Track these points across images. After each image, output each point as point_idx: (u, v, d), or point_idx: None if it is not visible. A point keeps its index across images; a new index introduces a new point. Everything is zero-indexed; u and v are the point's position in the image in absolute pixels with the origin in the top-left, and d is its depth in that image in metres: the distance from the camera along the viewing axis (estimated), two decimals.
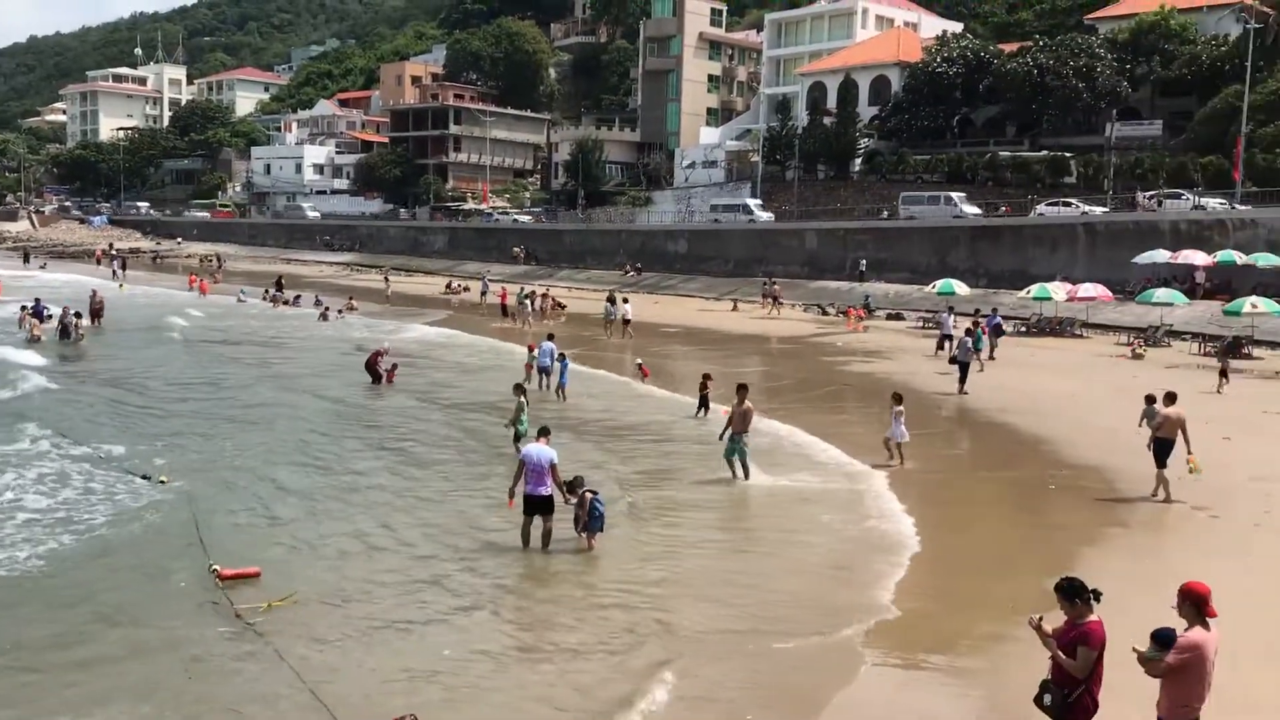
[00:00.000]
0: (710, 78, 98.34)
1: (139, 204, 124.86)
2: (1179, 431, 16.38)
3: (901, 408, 18.84)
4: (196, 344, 36.35)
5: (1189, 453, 16.30)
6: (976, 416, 24.74)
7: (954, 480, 18.89)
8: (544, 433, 14.56)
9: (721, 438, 17.92)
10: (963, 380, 27.06)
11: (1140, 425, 17.99)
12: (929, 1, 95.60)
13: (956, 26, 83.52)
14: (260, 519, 15.38)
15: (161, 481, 16.71)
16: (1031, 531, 14.99)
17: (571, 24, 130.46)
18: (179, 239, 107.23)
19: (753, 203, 69.53)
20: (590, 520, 13.77)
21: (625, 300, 42.58)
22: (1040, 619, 7.13)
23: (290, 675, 9.72)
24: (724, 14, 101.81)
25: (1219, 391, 26.39)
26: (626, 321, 40.66)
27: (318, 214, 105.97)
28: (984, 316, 35.91)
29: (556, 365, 26.05)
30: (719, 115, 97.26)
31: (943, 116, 69.65)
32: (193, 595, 11.96)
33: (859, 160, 72.58)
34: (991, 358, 32.72)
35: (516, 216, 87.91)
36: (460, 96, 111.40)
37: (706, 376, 23.63)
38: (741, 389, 18.12)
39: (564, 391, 25.64)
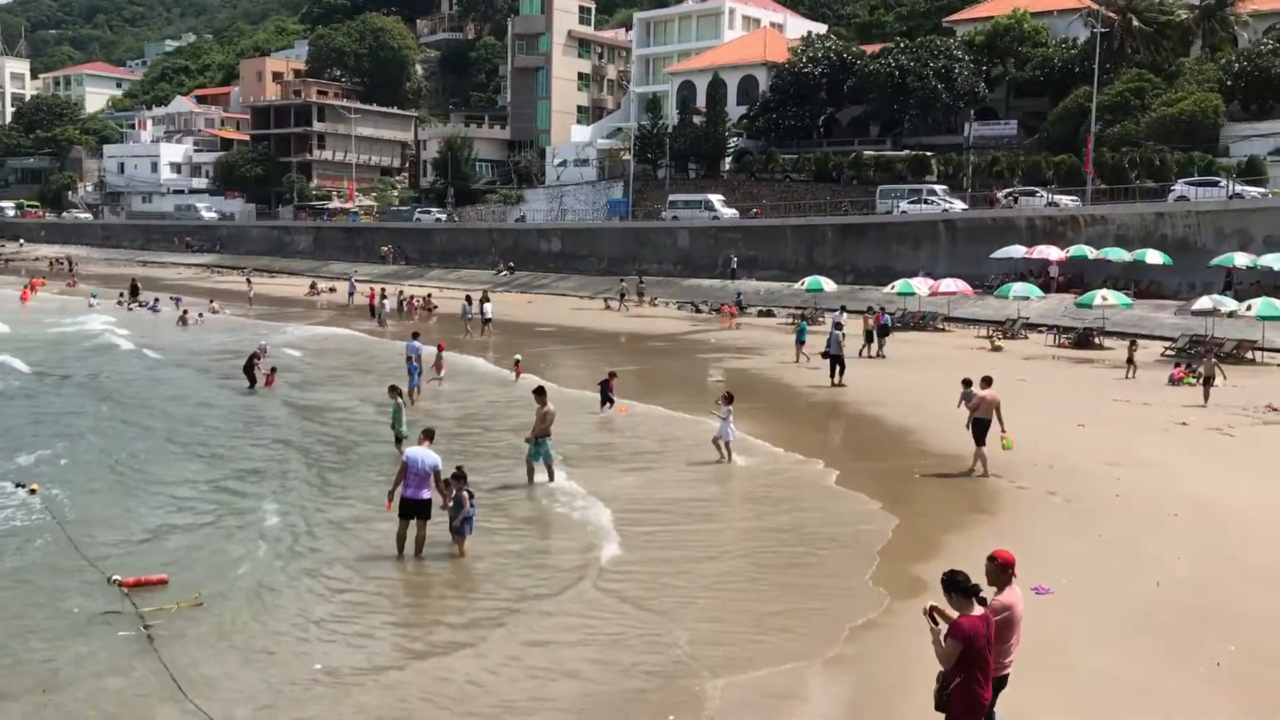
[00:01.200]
0: (580, 76, 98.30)
1: None
2: (994, 412, 17.56)
3: (731, 407, 18.88)
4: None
5: (1003, 431, 17.51)
6: (847, 409, 25.27)
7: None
8: (428, 435, 14.20)
9: (527, 441, 17.61)
10: (838, 373, 27.67)
11: (959, 406, 18.81)
12: (794, 3, 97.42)
13: (821, 28, 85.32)
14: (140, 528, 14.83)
15: (32, 490, 16.12)
16: (903, 521, 15.32)
17: (438, 20, 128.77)
18: (21, 240, 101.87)
19: (715, 199, 64.87)
20: (462, 523, 13.52)
21: (485, 299, 42.72)
22: (935, 607, 7.17)
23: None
24: (593, 12, 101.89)
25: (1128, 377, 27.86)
26: (487, 321, 41.04)
27: (215, 214, 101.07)
28: (870, 313, 36.77)
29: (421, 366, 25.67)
30: (590, 113, 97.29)
31: (809, 116, 71.02)
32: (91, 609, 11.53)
33: (729, 159, 73.48)
34: (882, 355, 33.43)
35: (439, 215, 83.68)
36: (324, 93, 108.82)
37: (612, 374, 23.81)
38: (540, 392, 17.86)
39: (416, 395, 24.88)
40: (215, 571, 12.89)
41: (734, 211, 61.11)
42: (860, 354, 32.71)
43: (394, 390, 19.54)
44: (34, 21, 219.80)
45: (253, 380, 27.12)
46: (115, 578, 12.12)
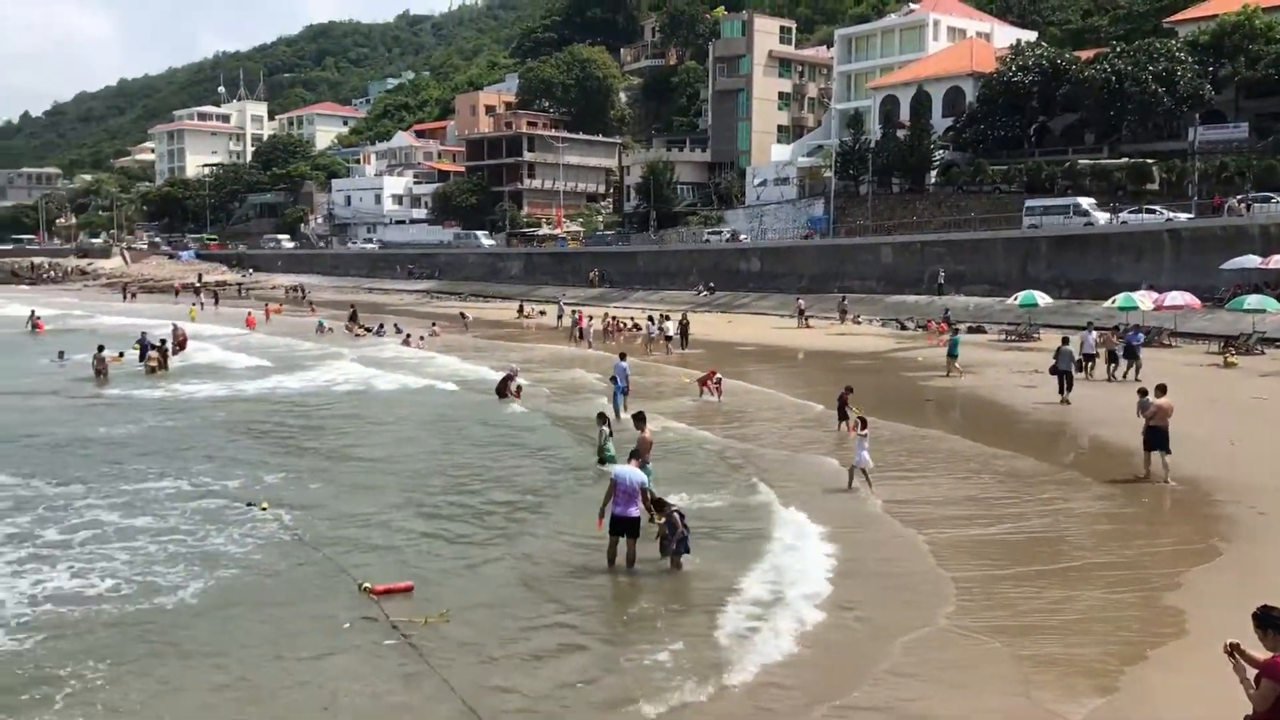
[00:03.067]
0: (780, 95, 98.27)
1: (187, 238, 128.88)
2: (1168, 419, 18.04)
3: (867, 431, 18.44)
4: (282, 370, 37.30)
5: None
6: (1069, 429, 24.33)
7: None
8: (635, 455, 14.58)
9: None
10: (1065, 390, 26.68)
11: (1137, 415, 18.75)
12: (1001, 11, 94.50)
13: (1030, 35, 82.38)
14: (380, 541, 15.60)
15: (262, 508, 16.99)
16: (1140, 553, 14.60)
17: (641, 48, 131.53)
18: (250, 270, 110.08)
19: (1086, 202, 56.69)
20: (677, 543, 13.75)
21: (666, 318, 44.97)
22: (1236, 645, 6.77)
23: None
24: (793, 32, 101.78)
25: None
26: (668, 338, 42.88)
27: (491, 242, 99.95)
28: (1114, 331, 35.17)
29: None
30: (790, 132, 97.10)
31: (1019, 126, 68.68)
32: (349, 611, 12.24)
33: (934, 172, 71.88)
34: (1137, 378, 28.58)
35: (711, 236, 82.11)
36: (533, 124, 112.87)
37: (848, 389, 23.50)
38: (639, 418, 17.71)
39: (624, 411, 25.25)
40: (454, 581, 13.53)
41: (1105, 215, 54.75)
42: (1108, 377, 31.16)
43: (601, 418, 19.97)
44: (270, 67, 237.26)
45: (503, 397, 28.78)
46: (365, 585, 12.80)
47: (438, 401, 30.33)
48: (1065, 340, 28.39)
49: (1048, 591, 12.78)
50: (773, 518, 16.51)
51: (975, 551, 14.63)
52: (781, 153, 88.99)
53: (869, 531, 15.81)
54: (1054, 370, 27.52)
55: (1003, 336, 44.84)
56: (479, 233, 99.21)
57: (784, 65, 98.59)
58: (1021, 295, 44.58)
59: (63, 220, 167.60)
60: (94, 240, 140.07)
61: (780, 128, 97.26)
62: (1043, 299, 44.28)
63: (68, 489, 18.67)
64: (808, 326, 52.25)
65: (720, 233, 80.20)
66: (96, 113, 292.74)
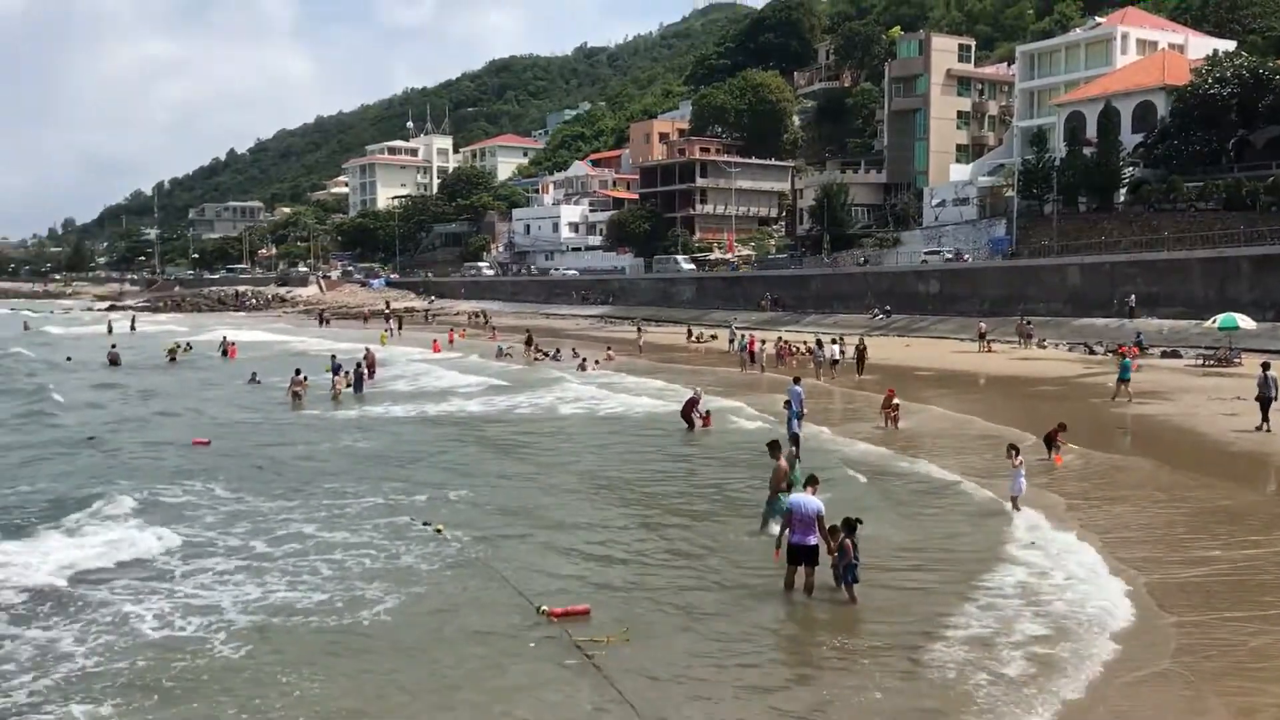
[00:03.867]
0: (959, 114, 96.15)
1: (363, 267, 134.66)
2: None
3: (1021, 459, 17.70)
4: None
5: None
6: (1273, 460, 22.98)
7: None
8: (811, 482, 14.53)
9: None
10: (1265, 417, 25.29)
11: None
12: (1196, 21, 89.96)
13: (1229, 45, 78.09)
14: (557, 560, 16.01)
15: (438, 530, 17.56)
16: None
17: (815, 71, 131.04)
18: (432, 298, 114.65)
19: None
20: (844, 569, 13.63)
21: (834, 341, 44.83)
22: None
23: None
24: (972, 49, 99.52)
25: None
26: (834, 363, 42.86)
27: (691, 266, 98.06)
28: None
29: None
30: (969, 151, 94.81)
31: (1216, 140, 65.14)
32: (529, 635, 12.56)
33: (1123, 190, 68.86)
34: None
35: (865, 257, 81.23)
36: (706, 150, 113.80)
37: (1061, 425, 22.62)
38: (774, 446, 17.55)
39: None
40: (631, 604, 13.76)
41: None
42: None
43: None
44: (455, 101, 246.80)
45: (690, 424, 28.71)
46: (544, 607, 13.10)
47: (618, 425, 30.89)
48: (1265, 366, 26.77)
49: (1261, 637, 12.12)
50: (973, 549, 16.26)
51: (1185, 591, 13.90)
52: (960, 172, 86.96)
53: (1069, 563, 15.30)
54: (1259, 398, 26.03)
55: (1200, 361, 42.55)
56: (679, 257, 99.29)
57: (963, 84, 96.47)
58: (1221, 318, 42.29)
59: (264, 251, 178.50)
60: (293, 269, 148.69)
61: (959, 147, 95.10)
62: (1245, 322, 41.87)
63: (274, 503, 19.98)
64: (989, 350, 50.81)
65: (939, 252, 76.77)
66: (295, 149, 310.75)
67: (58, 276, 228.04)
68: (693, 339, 64.29)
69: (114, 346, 56.76)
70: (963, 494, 20.08)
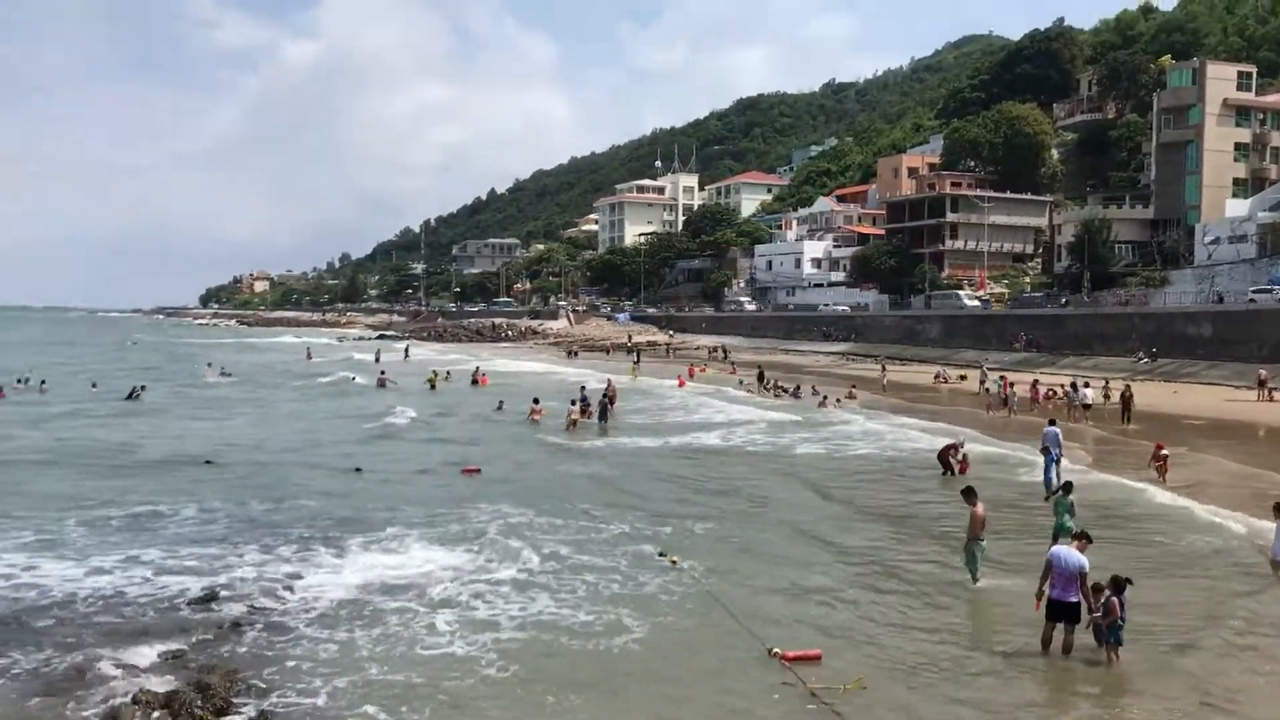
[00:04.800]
0: (1237, 146, 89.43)
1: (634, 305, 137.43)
2: None
3: None
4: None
5: None
6: None
7: None
8: (1081, 536, 13.88)
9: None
10: None
11: None
12: None
13: None
14: (785, 600, 16.09)
15: (673, 561, 17.98)
16: None
17: (1075, 103, 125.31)
18: (670, 332, 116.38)
19: None
20: (1108, 629, 12.95)
21: (1087, 385, 42.89)
22: None
23: None
24: (1253, 77, 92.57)
25: None
26: (1087, 406, 41.07)
27: (975, 302, 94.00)
28: None
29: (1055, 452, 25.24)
30: (1248, 186, 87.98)
31: None
32: (764, 678, 12.64)
33: None
34: None
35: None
36: (957, 184, 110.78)
37: None
38: (969, 493, 16.74)
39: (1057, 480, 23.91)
40: (866, 650, 13.66)
41: None
42: None
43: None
44: (702, 140, 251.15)
45: (948, 467, 27.59)
46: (775, 650, 13.14)
47: (863, 465, 30.54)
48: None
49: None
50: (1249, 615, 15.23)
51: None
52: (1238, 208, 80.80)
53: None
54: None
55: None
56: (960, 292, 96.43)
57: (1241, 113, 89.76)
58: None
59: (519, 285, 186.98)
60: (545, 303, 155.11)
61: (1236, 181, 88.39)
62: None
63: (539, 519, 21.51)
64: (1270, 399, 46.92)
65: (1273, 290, 66.59)
66: (550, 188, 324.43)
67: (335, 307, 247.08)
68: (939, 379, 62.52)
69: (383, 373, 61.03)
70: (1236, 553, 18.72)
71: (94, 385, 56.14)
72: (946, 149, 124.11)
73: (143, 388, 51.57)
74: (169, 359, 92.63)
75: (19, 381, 54.52)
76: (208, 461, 30.30)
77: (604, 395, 42.93)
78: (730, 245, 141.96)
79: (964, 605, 15.82)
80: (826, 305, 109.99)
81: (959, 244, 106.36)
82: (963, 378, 61.46)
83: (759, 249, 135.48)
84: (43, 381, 55.23)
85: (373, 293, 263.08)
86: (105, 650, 13.39)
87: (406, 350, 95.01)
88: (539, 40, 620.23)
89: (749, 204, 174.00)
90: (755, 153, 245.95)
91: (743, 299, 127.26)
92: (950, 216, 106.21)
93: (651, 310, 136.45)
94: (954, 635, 14.30)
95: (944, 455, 28.17)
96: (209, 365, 70.94)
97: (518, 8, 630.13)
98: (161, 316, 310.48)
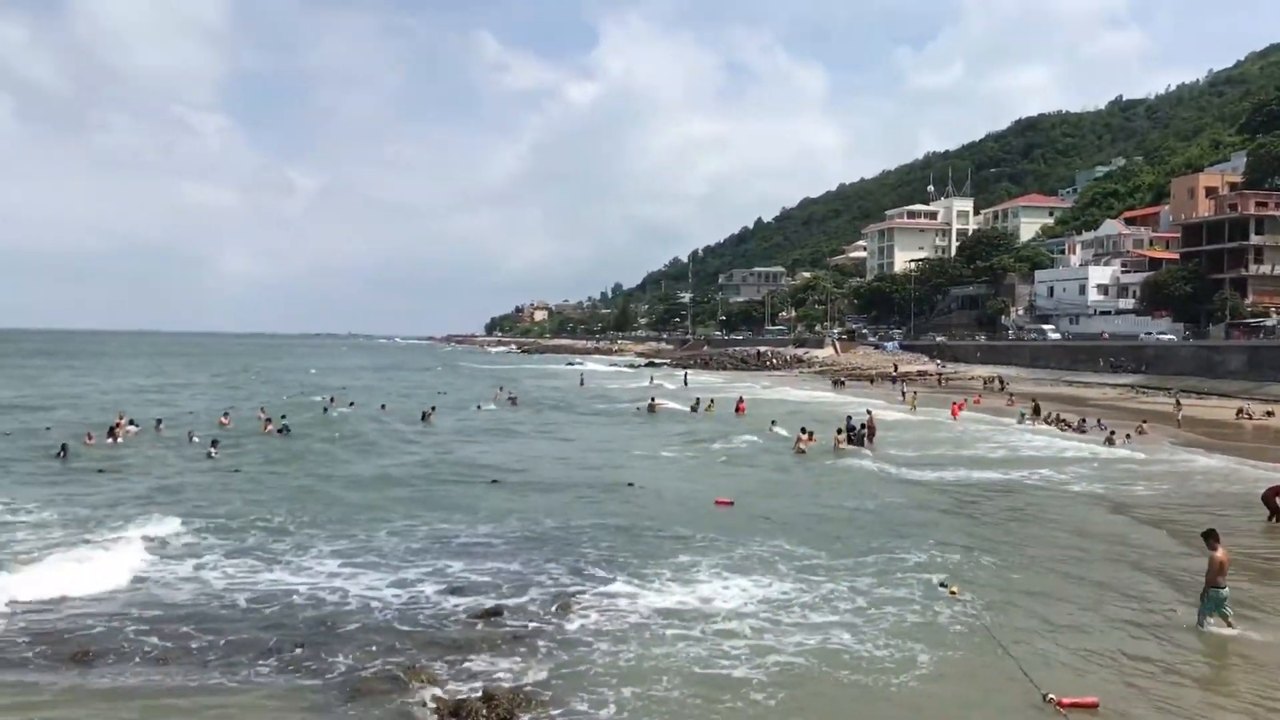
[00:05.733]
0: None
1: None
2: None
3: None
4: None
5: None
6: None
7: None
8: None
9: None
10: None
11: None
12: None
13: None
14: (1065, 641, 15.60)
15: (952, 593, 17.78)
16: None
17: None
18: (939, 362, 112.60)
19: None
20: None
21: None
22: None
23: None
24: None
25: None
26: None
27: None
28: None
29: None
30: None
31: None
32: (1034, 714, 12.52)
33: None
34: None
35: None
36: (1262, 204, 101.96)
37: None
38: (1210, 536, 15.89)
39: None
40: (1142, 700, 13.09)
41: None
42: None
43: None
44: (978, 163, 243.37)
45: (1275, 511, 25.25)
46: (1050, 696, 12.75)
47: (1165, 502, 28.84)
48: None
49: None
50: None
51: None
52: None
53: None
54: None
55: None
56: (1269, 320, 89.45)
57: None
58: None
59: (784, 314, 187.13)
60: (811, 332, 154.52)
61: None
62: None
63: (812, 548, 21.76)
64: None
65: None
66: (817, 215, 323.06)
67: (607, 335, 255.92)
68: (1242, 414, 57.65)
69: (654, 398, 62.80)
70: None
71: (382, 406, 60.89)
72: (1251, 166, 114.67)
73: (432, 409, 55.54)
74: (469, 381, 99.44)
75: (331, 400, 60.18)
76: (494, 481, 32.36)
77: (862, 425, 43.18)
78: (1008, 271, 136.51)
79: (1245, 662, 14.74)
80: (1113, 334, 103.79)
81: (1265, 268, 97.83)
82: (1270, 414, 56.47)
83: (1039, 275, 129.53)
84: (351, 402, 60.88)
85: (642, 321, 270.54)
86: (398, 658, 14.63)
87: (685, 378, 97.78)
88: (811, 71, 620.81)
89: (1028, 228, 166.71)
90: (1035, 175, 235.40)
91: (1045, 327, 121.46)
92: (1255, 239, 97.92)
93: (922, 339, 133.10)
94: (1231, 692, 13.40)
95: (1269, 497, 25.64)
96: (499, 389, 75.06)
97: (790, 41, 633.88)
98: (453, 344, 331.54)
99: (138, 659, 14.63)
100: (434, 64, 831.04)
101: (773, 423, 46.06)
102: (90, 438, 40.49)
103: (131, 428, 43.51)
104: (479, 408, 63.86)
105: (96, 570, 18.90)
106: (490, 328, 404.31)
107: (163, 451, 38.97)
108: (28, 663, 14.33)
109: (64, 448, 37.25)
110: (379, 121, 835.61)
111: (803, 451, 39.90)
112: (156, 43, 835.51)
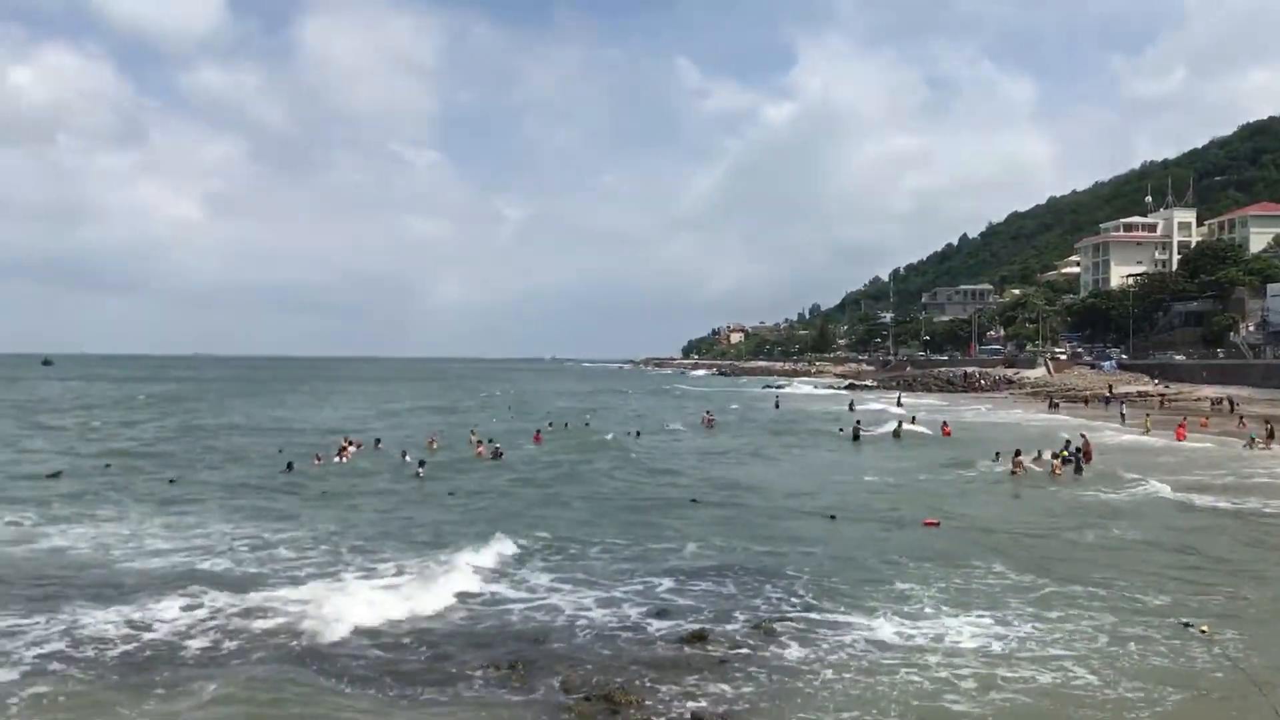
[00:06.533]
0: None
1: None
2: None
3: None
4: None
5: None
6: None
7: None
8: None
9: None
10: None
11: None
12: None
13: None
14: None
15: (1202, 630, 16.86)
16: None
17: None
18: (1157, 382, 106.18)
19: None
20: None
21: None
22: None
23: None
24: None
25: None
26: None
27: None
28: None
29: None
30: None
31: None
32: None
33: None
34: None
35: None
36: None
37: None
38: None
39: None
40: None
41: None
42: None
43: None
44: (1200, 171, 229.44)
45: None
46: None
47: None
48: None
49: None
50: None
51: None
52: None
53: None
54: None
55: None
56: None
57: None
58: None
59: (992, 333, 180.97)
60: (1021, 351, 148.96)
61: None
62: None
63: (1035, 580, 21.06)
64: None
65: None
66: (1026, 230, 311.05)
67: (805, 356, 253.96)
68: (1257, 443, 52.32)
69: (859, 422, 62.03)
70: None
71: (588, 423, 62.87)
72: None
73: (637, 433, 57.19)
74: (677, 402, 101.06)
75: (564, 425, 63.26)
76: (693, 500, 32.94)
77: (1077, 449, 41.86)
78: (1236, 285, 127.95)
79: None
80: None
81: None
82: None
83: (1271, 288, 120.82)
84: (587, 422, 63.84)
85: (841, 342, 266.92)
86: (607, 679, 14.83)
87: (899, 399, 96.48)
88: (1018, 82, 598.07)
89: (1258, 239, 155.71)
90: (1264, 182, 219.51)
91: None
92: None
93: (1142, 357, 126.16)
94: None
95: None
96: (707, 413, 75.73)
97: (996, 52, 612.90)
98: (652, 367, 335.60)
99: (350, 675, 15.39)
100: (635, 93, 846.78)
101: (997, 454, 44.26)
102: (318, 459, 43.47)
103: (352, 449, 46.48)
104: (675, 428, 65.10)
105: (338, 594, 20.07)
106: (687, 350, 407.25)
107: (377, 470, 41.31)
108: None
109: (290, 465, 41.16)
110: (583, 151, 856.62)
111: (1016, 474, 38.80)
112: (376, 84, 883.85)
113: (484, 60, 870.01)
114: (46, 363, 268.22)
